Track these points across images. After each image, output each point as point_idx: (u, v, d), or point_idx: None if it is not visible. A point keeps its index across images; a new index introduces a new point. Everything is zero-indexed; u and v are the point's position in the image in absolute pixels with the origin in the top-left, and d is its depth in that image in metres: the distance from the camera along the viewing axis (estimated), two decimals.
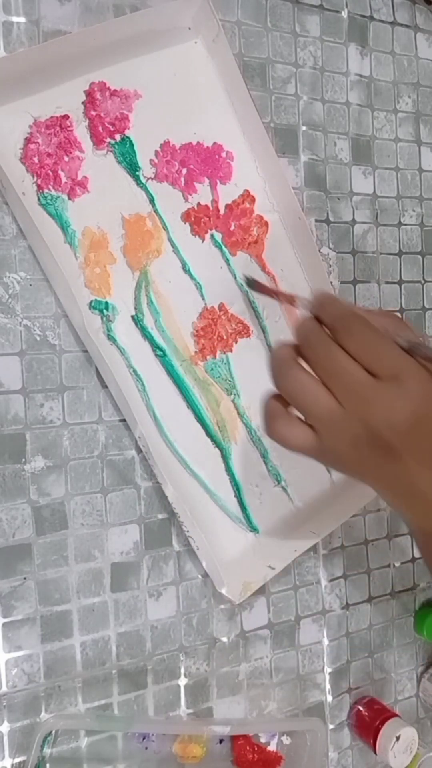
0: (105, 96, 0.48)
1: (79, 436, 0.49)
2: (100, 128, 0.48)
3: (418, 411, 0.34)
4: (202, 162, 0.51)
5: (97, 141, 0.48)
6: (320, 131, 0.57)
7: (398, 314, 0.38)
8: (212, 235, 0.52)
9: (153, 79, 0.50)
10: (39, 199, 0.47)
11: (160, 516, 0.51)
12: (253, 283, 0.48)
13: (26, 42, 0.46)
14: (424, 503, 0.37)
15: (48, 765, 0.47)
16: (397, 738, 0.56)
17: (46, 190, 0.47)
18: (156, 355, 0.50)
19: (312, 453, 0.37)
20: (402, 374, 0.34)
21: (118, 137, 0.49)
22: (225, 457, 0.53)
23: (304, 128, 0.57)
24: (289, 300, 0.42)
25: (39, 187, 0.47)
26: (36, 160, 0.46)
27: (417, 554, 0.64)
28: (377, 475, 0.38)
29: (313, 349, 0.36)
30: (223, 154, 0.52)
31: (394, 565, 0.63)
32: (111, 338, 0.49)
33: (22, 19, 0.46)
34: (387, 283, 0.61)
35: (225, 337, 0.53)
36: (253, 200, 0.53)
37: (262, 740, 0.55)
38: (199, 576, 0.53)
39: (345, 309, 0.36)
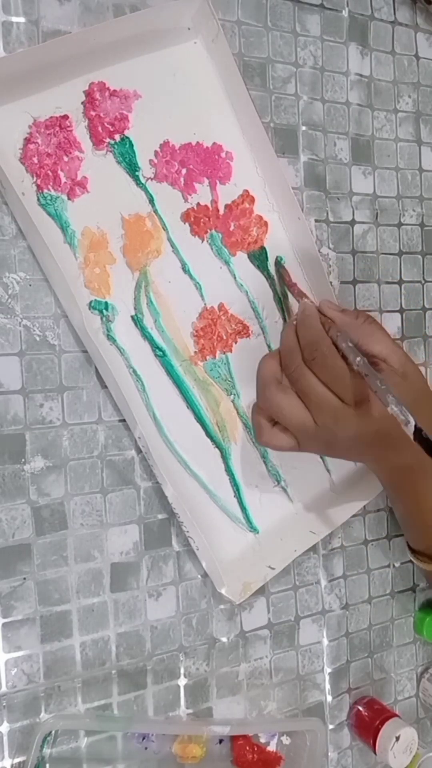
0: (104, 96, 0.48)
1: (79, 437, 0.49)
2: (100, 128, 0.48)
3: (379, 429, 0.44)
4: (202, 162, 0.51)
5: (97, 141, 0.48)
6: (320, 131, 0.57)
7: (371, 316, 0.47)
8: (212, 236, 0.52)
9: (152, 79, 0.50)
10: (38, 200, 0.47)
11: (159, 516, 0.51)
12: (281, 269, 0.54)
13: (26, 42, 0.46)
14: (389, 469, 0.50)
15: (48, 765, 0.47)
16: (397, 738, 0.56)
17: (45, 191, 0.47)
18: (156, 356, 0.50)
19: (294, 451, 0.47)
20: (363, 402, 0.44)
21: (117, 137, 0.49)
22: (225, 457, 0.53)
23: (303, 128, 0.56)
24: (300, 295, 0.50)
25: (38, 187, 0.47)
26: (35, 160, 0.46)
27: None
28: (348, 457, 0.51)
29: (290, 371, 0.45)
30: (223, 154, 0.52)
31: (393, 565, 0.62)
32: (111, 338, 0.49)
33: (21, 19, 0.46)
34: (387, 283, 0.61)
35: (225, 338, 0.53)
36: (252, 200, 0.53)
37: (262, 740, 0.55)
38: (199, 576, 0.53)
39: (315, 334, 0.44)
